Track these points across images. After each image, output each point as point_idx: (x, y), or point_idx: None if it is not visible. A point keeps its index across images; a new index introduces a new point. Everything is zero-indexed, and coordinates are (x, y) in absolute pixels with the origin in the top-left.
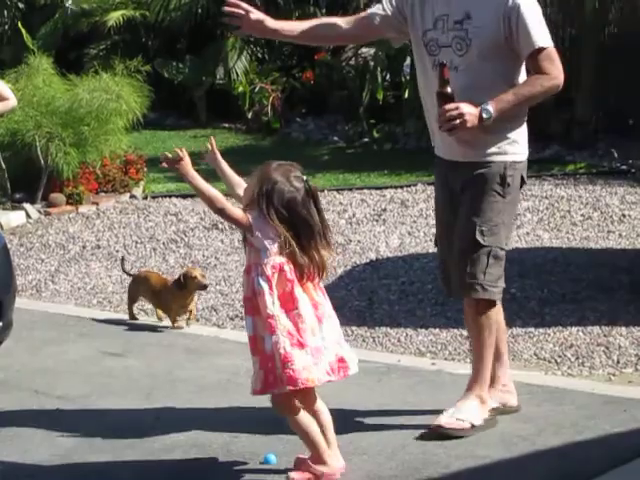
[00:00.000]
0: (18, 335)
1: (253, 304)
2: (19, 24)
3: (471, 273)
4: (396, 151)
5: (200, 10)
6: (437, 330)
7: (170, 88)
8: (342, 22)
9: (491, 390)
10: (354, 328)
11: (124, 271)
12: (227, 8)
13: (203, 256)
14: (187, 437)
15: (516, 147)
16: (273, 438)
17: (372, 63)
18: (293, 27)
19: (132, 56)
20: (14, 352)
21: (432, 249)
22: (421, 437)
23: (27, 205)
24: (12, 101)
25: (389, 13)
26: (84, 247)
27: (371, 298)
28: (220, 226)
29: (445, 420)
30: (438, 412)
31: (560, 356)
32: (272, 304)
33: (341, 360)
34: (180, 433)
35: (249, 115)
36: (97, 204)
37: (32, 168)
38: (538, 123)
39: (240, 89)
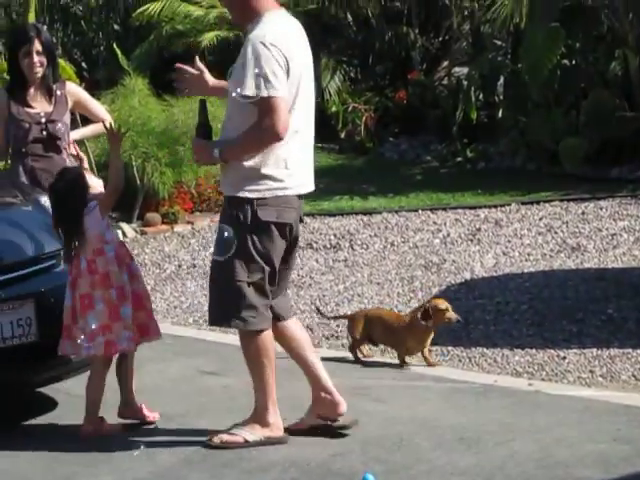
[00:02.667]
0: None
1: None
2: (114, 45)
3: (216, 306)
4: (490, 170)
5: None
6: (533, 350)
7: None
8: None
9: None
10: (450, 348)
11: (325, 316)
12: (175, 74)
13: (298, 275)
14: (284, 456)
15: (246, 184)
16: (371, 458)
17: (465, 82)
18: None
19: (226, 76)
20: (112, 371)
21: (527, 269)
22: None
23: (123, 224)
24: (107, 122)
25: None
26: (180, 266)
27: (467, 318)
28: (314, 245)
29: (220, 437)
30: (536, 433)
31: None
32: None
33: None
34: (277, 451)
35: (342, 135)
36: (192, 223)
37: (128, 188)
38: (633, 142)
39: (333, 109)
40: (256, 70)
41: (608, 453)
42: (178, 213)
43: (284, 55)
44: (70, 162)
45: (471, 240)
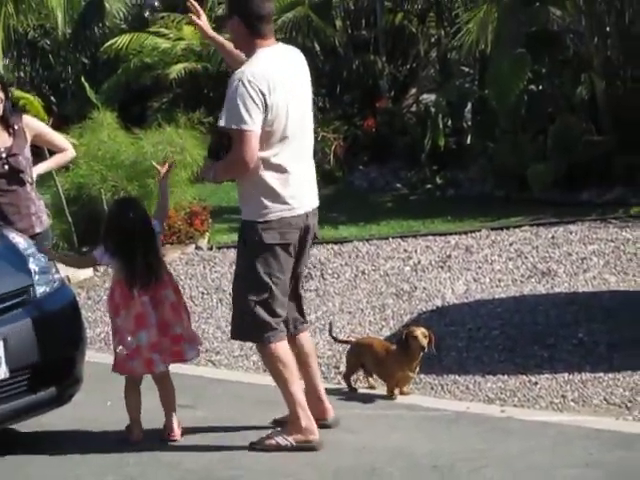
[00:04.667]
0: (88, 388)
1: None
2: (82, 79)
3: (237, 323)
4: (459, 197)
5: None
6: (505, 377)
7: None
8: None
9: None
10: (422, 376)
11: (333, 337)
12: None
13: None
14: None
15: (253, 208)
16: None
17: (433, 109)
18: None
19: (194, 108)
20: (85, 405)
21: (498, 295)
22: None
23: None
24: (70, 152)
25: None
26: None
27: (439, 345)
28: None
29: (257, 441)
30: (509, 460)
31: (631, 401)
32: None
33: None
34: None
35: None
36: (163, 255)
37: (98, 221)
38: (601, 166)
39: None
40: (232, 105)
41: (581, 478)
42: None
43: (260, 91)
44: (36, 195)
45: (442, 267)
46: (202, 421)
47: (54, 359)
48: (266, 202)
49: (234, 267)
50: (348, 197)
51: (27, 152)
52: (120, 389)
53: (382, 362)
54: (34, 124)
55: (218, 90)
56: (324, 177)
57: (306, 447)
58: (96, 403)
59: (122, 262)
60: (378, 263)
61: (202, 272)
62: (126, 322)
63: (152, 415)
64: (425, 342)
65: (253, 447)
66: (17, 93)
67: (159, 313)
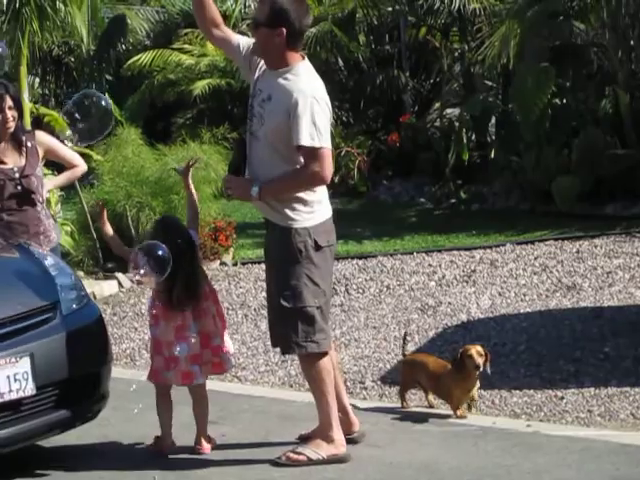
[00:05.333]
0: (114, 404)
1: None
2: (106, 95)
3: (285, 334)
4: (484, 211)
5: None
6: (531, 391)
7: None
8: (218, 24)
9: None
10: None
11: (404, 354)
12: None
13: None
14: None
15: (301, 214)
16: None
17: (457, 124)
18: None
19: (218, 124)
20: (111, 421)
21: (523, 309)
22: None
23: (119, 274)
24: (80, 168)
25: (242, 51)
26: None
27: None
28: None
29: (284, 456)
30: (535, 475)
31: None
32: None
33: None
34: None
35: (336, 179)
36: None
37: (123, 238)
38: (626, 180)
39: None
40: (311, 123)
41: None
42: None
43: (328, 108)
44: (45, 214)
45: (467, 281)
46: (228, 437)
47: (80, 375)
48: (313, 207)
49: (263, 282)
50: (372, 212)
51: (39, 171)
52: (146, 403)
53: (438, 381)
54: (45, 139)
55: (242, 106)
56: (348, 192)
57: (336, 460)
58: (122, 419)
59: (160, 278)
60: (403, 278)
61: (227, 288)
62: (166, 333)
63: (179, 432)
64: (480, 361)
65: (278, 462)
66: (42, 110)
67: (200, 325)
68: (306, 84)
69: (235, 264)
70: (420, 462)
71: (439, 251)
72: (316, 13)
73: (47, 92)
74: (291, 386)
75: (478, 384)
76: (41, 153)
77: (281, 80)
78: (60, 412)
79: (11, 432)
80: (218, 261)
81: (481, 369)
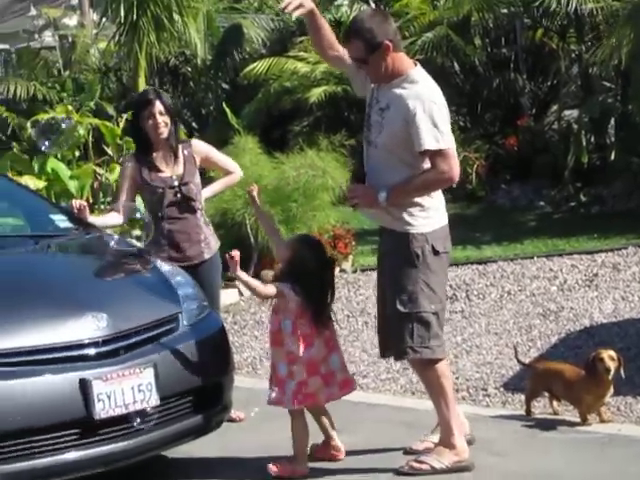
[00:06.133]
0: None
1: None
2: (223, 104)
3: (400, 339)
4: (604, 214)
5: None
6: None
7: None
8: (332, 44)
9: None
10: None
11: (518, 361)
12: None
13: None
14: None
15: (419, 220)
16: None
17: (576, 126)
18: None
19: (335, 131)
20: (234, 431)
21: None
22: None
23: (239, 283)
24: (237, 174)
25: (356, 68)
26: None
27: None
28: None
29: (406, 465)
30: None
31: None
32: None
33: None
34: None
35: (454, 184)
36: None
37: (242, 246)
38: None
39: None
40: (432, 126)
41: None
42: None
43: (446, 109)
44: (204, 222)
45: (589, 286)
46: (349, 445)
47: (203, 386)
48: (431, 212)
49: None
50: (491, 216)
51: (197, 178)
52: (262, 413)
53: (571, 387)
54: (202, 147)
55: (359, 113)
56: (466, 196)
57: (460, 468)
58: (243, 429)
59: (307, 298)
60: (524, 283)
61: (347, 295)
62: (320, 350)
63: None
64: (612, 365)
65: (401, 472)
66: None
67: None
68: (422, 89)
69: (354, 271)
70: (544, 471)
71: (560, 255)
72: (431, 18)
73: None
74: (413, 393)
75: (612, 390)
76: (198, 161)
77: (398, 89)
78: (183, 423)
79: (135, 443)
80: (337, 268)
81: (612, 373)
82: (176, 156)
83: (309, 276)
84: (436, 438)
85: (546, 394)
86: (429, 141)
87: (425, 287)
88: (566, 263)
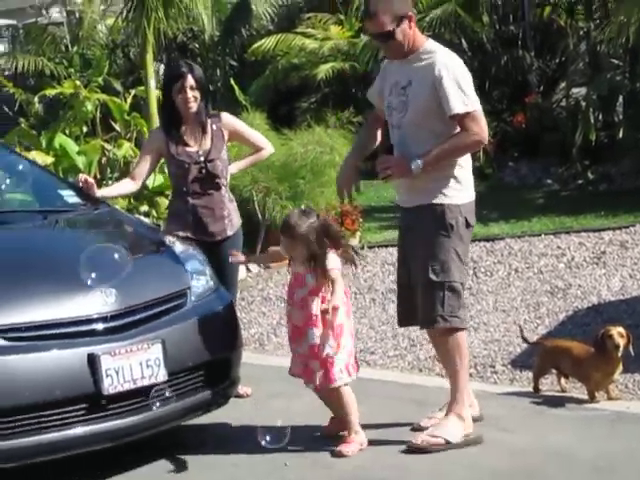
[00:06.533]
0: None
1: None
2: (231, 81)
3: (432, 307)
4: (612, 192)
5: None
6: None
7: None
8: (371, 128)
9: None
10: None
11: (524, 340)
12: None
13: None
14: None
15: (453, 192)
16: None
17: (584, 103)
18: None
19: (343, 108)
20: (241, 406)
21: None
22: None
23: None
24: (267, 151)
25: (379, 103)
26: None
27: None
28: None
29: (418, 440)
30: None
31: None
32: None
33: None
34: None
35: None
36: None
37: (250, 222)
38: None
39: None
40: (459, 90)
41: None
42: None
43: (469, 74)
44: (229, 198)
45: (596, 263)
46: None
47: (211, 361)
48: (464, 185)
49: (390, 266)
50: (498, 194)
51: (224, 154)
52: (270, 389)
53: (580, 364)
54: (232, 122)
55: (366, 89)
56: (474, 174)
57: (471, 441)
58: (251, 404)
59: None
60: (531, 260)
61: (354, 271)
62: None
63: (304, 418)
64: (621, 341)
65: (414, 446)
66: None
67: None
68: (442, 56)
69: (362, 248)
70: (552, 447)
71: (567, 233)
72: None
73: None
74: (420, 370)
75: (621, 368)
76: (226, 136)
77: (416, 63)
78: (191, 398)
79: (144, 418)
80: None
81: (621, 350)
82: (204, 131)
83: (324, 243)
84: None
85: (554, 371)
86: (457, 105)
87: (456, 257)
88: (574, 241)
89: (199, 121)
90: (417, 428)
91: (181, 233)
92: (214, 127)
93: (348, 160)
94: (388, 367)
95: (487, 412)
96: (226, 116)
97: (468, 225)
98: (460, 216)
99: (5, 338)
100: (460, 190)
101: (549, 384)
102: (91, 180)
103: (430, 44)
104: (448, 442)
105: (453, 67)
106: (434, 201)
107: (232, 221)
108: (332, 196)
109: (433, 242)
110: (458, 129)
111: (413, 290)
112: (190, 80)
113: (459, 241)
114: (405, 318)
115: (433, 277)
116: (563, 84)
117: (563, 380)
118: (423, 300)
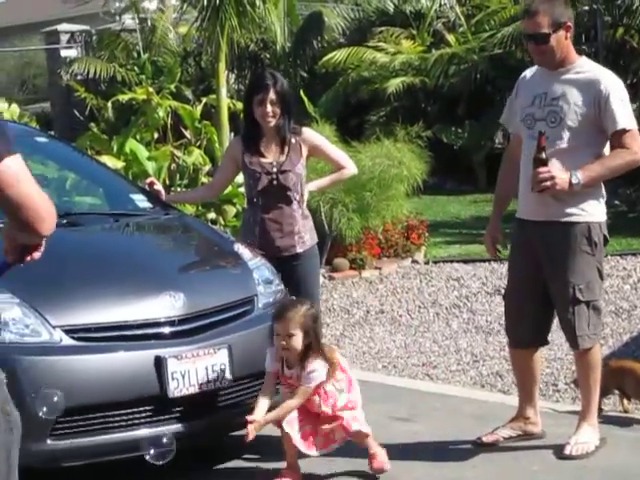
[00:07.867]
0: None
1: None
2: (301, 92)
3: (578, 327)
4: None
5: (479, 75)
6: None
7: (449, 153)
8: (511, 163)
9: (515, 421)
10: None
11: None
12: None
13: (486, 321)
14: None
15: (597, 208)
16: None
17: None
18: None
19: (412, 122)
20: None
21: None
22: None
23: None
24: (348, 170)
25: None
26: (368, 311)
27: None
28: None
29: (570, 449)
30: None
31: None
32: None
33: None
34: None
35: None
36: (380, 269)
37: (317, 234)
38: None
39: None
40: (624, 107)
41: None
42: (365, 259)
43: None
44: (302, 214)
45: None
46: (419, 435)
47: None
48: (602, 201)
49: (455, 281)
50: None
51: (299, 168)
52: None
53: None
54: (313, 137)
55: (436, 104)
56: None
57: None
58: None
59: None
60: None
61: (418, 286)
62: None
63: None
64: None
65: (566, 456)
66: (239, 105)
67: None
68: (605, 73)
69: (427, 262)
70: (613, 466)
71: (634, 254)
72: (512, 12)
73: (242, 87)
74: (482, 386)
75: None
76: (305, 151)
77: (571, 75)
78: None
79: (208, 423)
80: (410, 259)
81: None
82: (284, 144)
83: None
84: (506, 432)
85: (617, 392)
86: (624, 121)
87: (598, 275)
88: None
89: (280, 135)
90: (479, 443)
91: (249, 243)
92: (293, 141)
93: (492, 218)
94: (450, 382)
95: (549, 430)
96: (307, 131)
97: (606, 242)
98: (601, 233)
99: (74, 338)
100: (600, 206)
101: (611, 404)
102: (158, 186)
103: (585, 60)
104: (596, 447)
105: (619, 85)
106: (579, 219)
107: (303, 238)
108: (398, 210)
109: (578, 260)
110: (607, 143)
111: (539, 308)
112: (272, 94)
113: (601, 258)
114: (528, 338)
115: (579, 296)
116: (635, 105)
117: (626, 401)
118: (569, 321)
